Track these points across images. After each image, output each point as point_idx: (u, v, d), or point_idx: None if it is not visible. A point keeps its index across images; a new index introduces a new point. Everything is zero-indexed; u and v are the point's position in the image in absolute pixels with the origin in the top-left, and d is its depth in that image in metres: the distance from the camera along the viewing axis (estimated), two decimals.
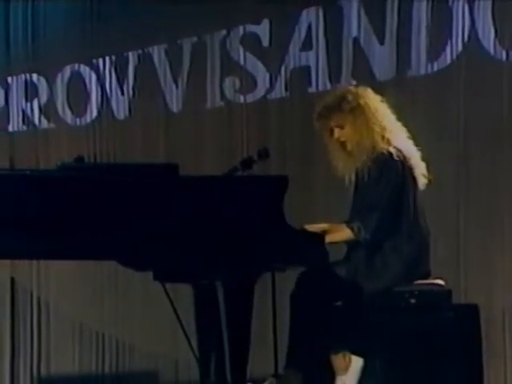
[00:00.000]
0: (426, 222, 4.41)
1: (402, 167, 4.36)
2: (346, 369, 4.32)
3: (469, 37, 5.24)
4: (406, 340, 4.34)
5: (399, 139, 4.41)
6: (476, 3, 5.21)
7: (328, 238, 4.29)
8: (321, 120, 4.45)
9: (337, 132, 4.42)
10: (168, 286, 4.52)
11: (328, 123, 4.43)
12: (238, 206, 4.22)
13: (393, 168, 4.36)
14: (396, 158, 4.35)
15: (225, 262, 4.17)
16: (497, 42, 5.15)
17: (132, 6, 6.41)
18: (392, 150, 4.36)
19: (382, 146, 4.36)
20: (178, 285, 4.54)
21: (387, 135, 4.39)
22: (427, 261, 4.45)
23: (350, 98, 4.40)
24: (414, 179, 4.40)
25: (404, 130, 4.43)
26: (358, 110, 4.38)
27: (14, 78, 7.02)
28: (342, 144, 4.43)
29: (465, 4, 5.25)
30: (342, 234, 4.38)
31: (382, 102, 4.43)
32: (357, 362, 4.32)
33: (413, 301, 4.39)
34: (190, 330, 4.54)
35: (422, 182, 4.43)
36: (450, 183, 5.19)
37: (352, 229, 4.35)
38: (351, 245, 4.43)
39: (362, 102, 4.39)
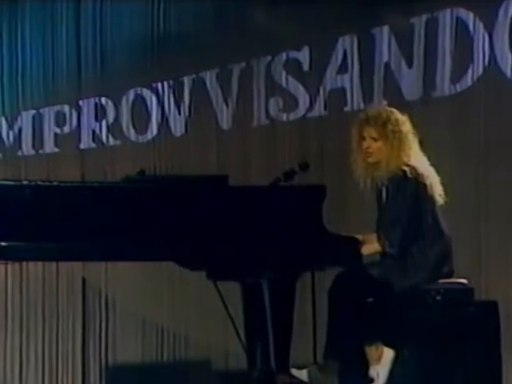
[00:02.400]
0: (444, 229, 4.36)
1: (416, 184, 4.30)
2: (379, 359, 4.27)
3: (488, 61, 5.19)
4: (432, 333, 4.30)
5: (417, 161, 4.35)
6: (495, 31, 5.16)
7: (362, 251, 4.29)
8: (360, 125, 4.39)
9: (368, 142, 4.38)
10: (219, 283, 4.53)
11: (364, 131, 4.38)
12: (282, 212, 4.21)
13: (407, 185, 4.30)
14: (409, 175, 4.29)
15: (269, 262, 4.16)
16: None
17: (187, 37, 6.43)
18: (406, 168, 4.30)
19: (400, 166, 4.32)
20: (227, 282, 4.54)
21: (409, 160, 4.33)
22: (450, 262, 4.40)
23: (393, 121, 4.34)
24: (430, 196, 4.33)
25: (424, 157, 4.36)
26: (397, 135, 4.33)
27: (85, 101, 7.05)
28: (367, 153, 4.39)
29: (485, 32, 5.20)
30: (372, 247, 4.35)
31: (410, 129, 4.39)
32: (388, 353, 4.27)
33: (439, 298, 4.35)
34: (238, 322, 4.53)
35: (438, 200, 4.35)
36: (472, 193, 5.14)
37: (380, 244, 4.33)
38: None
39: (403, 128, 4.35)
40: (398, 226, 4.30)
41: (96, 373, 6.80)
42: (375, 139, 4.37)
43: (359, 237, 4.36)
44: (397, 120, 4.37)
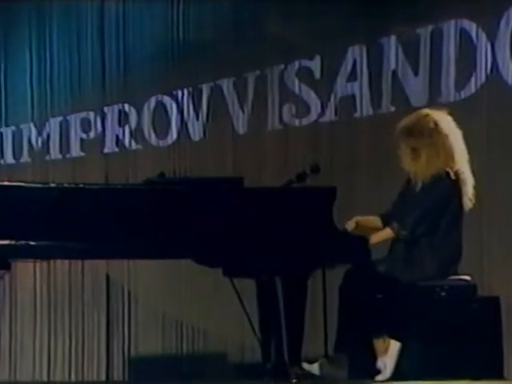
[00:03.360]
0: (461, 236, 4.36)
1: (454, 187, 4.28)
2: (386, 351, 4.26)
3: (491, 69, 5.18)
4: (437, 327, 4.29)
5: (461, 163, 4.32)
6: (497, 41, 5.16)
7: (372, 240, 4.28)
8: (400, 136, 4.35)
9: (410, 151, 4.32)
10: (235, 280, 4.53)
11: (404, 142, 4.33)
12: (294, 212, 4.20)
13: (445, 185, 4.28)
14: (452, 177, 4.27)
15: (283, 260, 4.16)
16: None
17: (205, 47, 6.45)
18: (450, 170, 4.27)
19: (446, 167, 4.30)
20: (243, 279, 4.55)
21: (453, 161, 4.30)
22: (458, 262, 4.40)
23: (428, 131, 4.28)
24: (462, 200, 4.31)
25: (465, 153, 4.34)
26: (434, 143, 4.27)
27: (109, 108, 7.06)
28: (412, 158, 4.34)
29: (487, 42, 5.19)
30: (383, 233, 4.34)
31: (453, 123, 4.35)
32: (395, 345, 4.26)
33: (443, 294, 4.33)
34: (253, 317, 4.54)
35: (467, 204, 4.34)
36: (476, 194, 5.11)
37: (392, 228, 4.33)
38: (392, 244, 4.40)
39: (440, 136, 4.28)
40: (417, 212, 4.28)
41: (119, 363, 6.81)
42: (415, 149, 4.33)
43: (358, 218, 4.33)
44: (433, 130, 4.29)
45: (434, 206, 4.30)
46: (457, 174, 4.29)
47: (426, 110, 4.45)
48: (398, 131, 4.38)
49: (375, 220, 4.43)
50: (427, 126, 4.32)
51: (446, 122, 4.36)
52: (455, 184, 4.29)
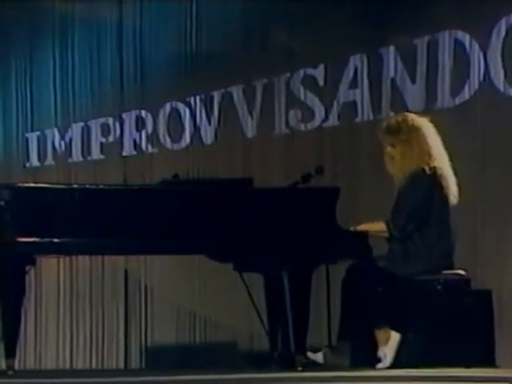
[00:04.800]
0: (452, 230, 4.35)
1: (433, 182, 4.29)
2: (386, 341, 4.26)
3: (483, 77, 5.17)
4: (433, 319, 4.29)
5: (439, 161, 4.33)
6: (489, 50, 5.14)
7: (365, 227, 4.29)
8: (381, 134, 4.42)
9: (389, 148, 4.39)
10: (244, 274, 4.54)
11: (384, 139, 4.40)
12: (300, 211, 4.21)
13: (424, 181, 4.30)
14: (428, 172, 4.29)
15: (289, 256, 4.17)
16: (506, 82, 5.07)
17: (216, 57, 6.45)
18: (426, 166, 4.29)
19: (422, 164, 4.31)
20: (252, 273, 4.55)
21: (430, 158, 4.31)
22: (451, 255, 4.39)
23: (405, 129, 4.33)
24: (444, 195, 4.32)
25: (446, 156, 4.35)
26: (410, 142, 4.31)
27: (127, 113, 7.08)
28: (390, 157, 4.38)
29: (480, 51, 5.18)
30: (376, 225, 4.35)
31: (433, 129, 4.37)
32: (395, 336, 4.27)
33: (439, 287, 4.34)
34: (261, 309, 4.54)
35: (452, 200, 4.34)
36: (470, 192, 5.10)
37: (387, 227, 4.33)
38: (390, 242, 4.40)
39: (417, 134, 4.32)
40: (405, 212, 4.28)
41: (137, 352, 6.82)
42: (393, 145, 4.36)
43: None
44: (409, 128, 4.34)
45: (417, 203, 4.30)
46: (434, 169, 4.29)
47: (406, 113, 4.50)
48: (380, 132, 4.42)
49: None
50: (404, 125, 4.36)
51: (424, 124, 4.39)
52: (433, 178, 4.29)
